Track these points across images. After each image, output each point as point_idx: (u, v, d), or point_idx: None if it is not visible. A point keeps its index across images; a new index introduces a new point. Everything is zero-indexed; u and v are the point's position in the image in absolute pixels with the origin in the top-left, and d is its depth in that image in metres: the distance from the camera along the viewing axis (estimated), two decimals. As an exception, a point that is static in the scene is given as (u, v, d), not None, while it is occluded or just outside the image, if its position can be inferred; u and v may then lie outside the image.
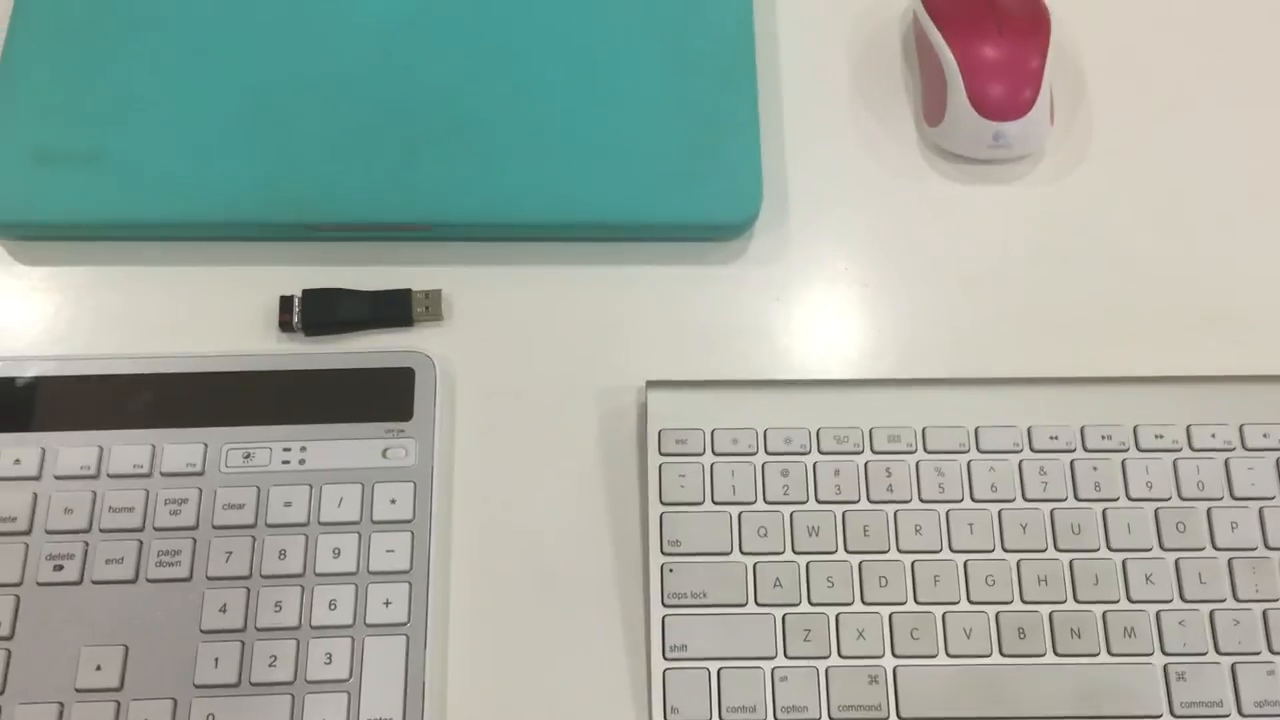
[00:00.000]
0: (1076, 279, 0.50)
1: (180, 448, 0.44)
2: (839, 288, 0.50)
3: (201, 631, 0.41)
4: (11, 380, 0.45)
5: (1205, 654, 0.42)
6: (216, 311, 0.48)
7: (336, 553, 0.42)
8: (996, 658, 0.42)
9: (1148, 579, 0.43)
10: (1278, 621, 0.42)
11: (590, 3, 0.51)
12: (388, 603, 0.42)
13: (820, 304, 0.49)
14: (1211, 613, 0.42)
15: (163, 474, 0.43)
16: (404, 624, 0.41)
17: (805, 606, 0.42)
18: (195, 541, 0.42)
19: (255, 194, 0.47)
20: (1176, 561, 0.43)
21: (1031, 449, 0.45)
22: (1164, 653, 0.42)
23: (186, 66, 0.49)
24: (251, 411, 0.44)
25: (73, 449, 0.43)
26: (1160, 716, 0.41)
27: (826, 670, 0.41)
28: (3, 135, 0.48)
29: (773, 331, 0.48)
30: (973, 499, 0.44)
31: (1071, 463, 0.44)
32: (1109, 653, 0.42)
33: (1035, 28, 0.50)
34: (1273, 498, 0.44)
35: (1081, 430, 0.45)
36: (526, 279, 0.49)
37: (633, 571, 0.44)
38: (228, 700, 0.40)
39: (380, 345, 0.47)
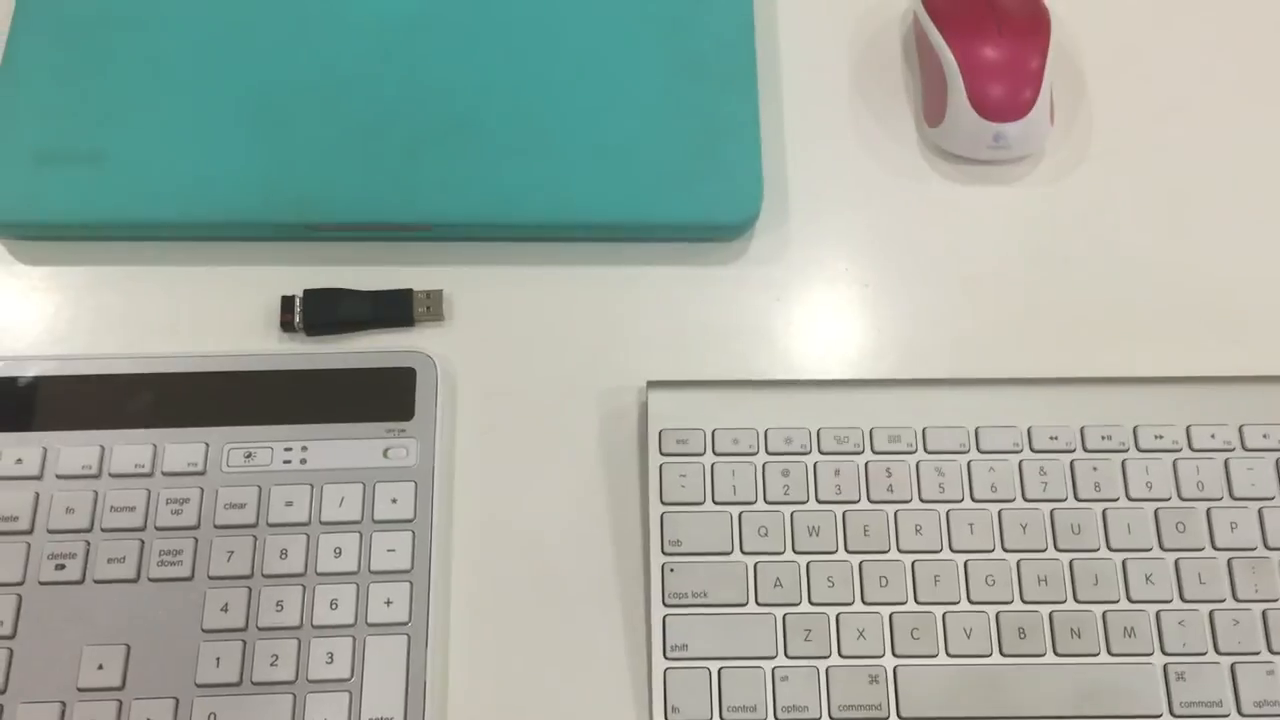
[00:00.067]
0: (1076, 279, 0.50)
1: (181, 447, 0.44)
2: (839, 288, 0.50)
3: (203, 631, 0.41)
4: (13, 380, 0.45)
5: (1205, 654, 0.42)
6: (218, 311, 0.48)
7: (338, 552, 0.42)
8: (997, 658, 0.42)
9: (1147, 579, 0.43)
10: (1277, 621, 0.42)
11: (591, 3, 0.51)
12: (389, 602, 0.42)
13: (821, 304, 0.49)
14: (1211, 613, 0.43)
15: (164, 473, 0.43)
16: (405, 623, 0.42)
17: (806, 606, 0.42)
18: (197, 541, 0.42)
19: (256, 194, 0.47)
20: (1176, 562, 0.43)
21: (1031, 449, 0.45)
22: (1164, 653, 0.42)
23: (187, 67, 0.49)
24: (253, 411, 0.44)
25: (74, 449, 0.43)
26: (1160, 716, 0.41)
27: (827, 670, 0.41)
28: (4, 135, 0.48)
29: (773, 332, 0.49)
30: (973, 499, 0.44)
31: (1071, 463, 0.45)
32: (1109, 653, 0.42)
33: (1035, 28, 0.50)
34: (1272, 498, 0.44)
35: (1081, 430, 0.45)
36: (527, 279, 0.49)
37: (633, 571, 0.44)
38: (229, 699, 0.40)
39: (381, 345, 0.47)
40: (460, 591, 0.44)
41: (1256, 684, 0.42)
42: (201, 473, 0.43)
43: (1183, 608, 0.43)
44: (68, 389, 0.44)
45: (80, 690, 0.40)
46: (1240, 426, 0.45)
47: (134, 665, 0.41)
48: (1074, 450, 0.45)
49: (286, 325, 0.47)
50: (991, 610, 0.42)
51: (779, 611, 0.42)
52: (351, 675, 0.41)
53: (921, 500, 0.44)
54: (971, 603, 0.42)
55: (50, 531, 0.42)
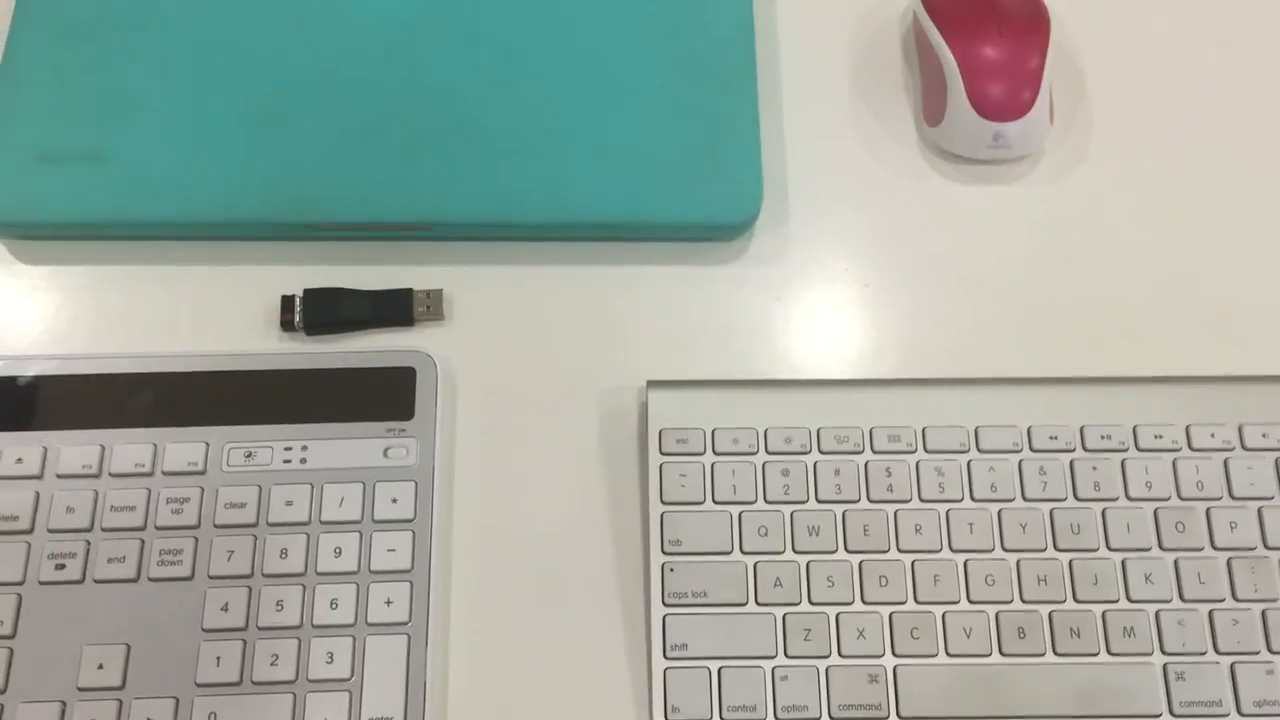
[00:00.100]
0: (1076, 279, 0.50)
1: (182, 447, 0.44)
2: (839, 288, 0.50)
3: (203, 630, 0.41)
4: (13, 379, 0.45)
5: (1204, 654, 0.42)
6: (218, 311, 0.48)
7: (338, 552, 0.42)
8: (996, 657, 0.42)
9: (1147, 579, 0.43)
10: (1276, 621, 0.42)
11: (591, 3, 0.51)
12: (389, 602, 0.42)
13: (820, 304, 0.49)
14: (1210, 612, 0.43)
15: (164, 473, 0.43)
16: (405, 623, 0.42)
17: (805, 606, 0.42)
18: (197, 540, 0.42)
19: (257, 193, 0.47)
20: (1176, 561, 0.43)
21: (1031, 449, 0.45)
22: (1163, 652, 0.42)
23: (188, 66, 0.49)
24: (253, 411, 0.44)
25: (74, 448, 0.43)
26: (1159, 716, 0.41)
27: (827, 669, 0.41)
28: (4, 134, 0.48)
29: (773, 331, 0.49)
30: (972, 499, 0.44)
31: (1071, 462, 0.45)
32: (1108, 652, 0.42)
33: (1035, 28, 0.50)
34: (1271, 497, 0.44)
35: (1081, 430, 0.45)
36: (527, 279, 0.49)
37: (633, 571, 0.44)
38: (229, 699, 0.40)
39: (381, 345, 0.47)
40: (460, 591, 0.44)
41: (1256, 684, 0.42)
42: (202, 472, 0.43)
43: (1182, 607, 0.43)
44: (68, 388, 0.44)
45: (80, 690, 0.40)
46: (1240, 426, 0.45)
47: (134, 665, 0.41)
48: (1074, 450, 0.45)
49: (286, 325, 0.47)
50: (991, 610, 0.42)
51: (779, 611, 0.42)
52: (351, 675, 0.41)
53: (921, 500, 0.44)
54: (971, 602, 0.43)
55: (50, 531, 0.42)
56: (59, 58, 0.49)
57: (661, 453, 0.44)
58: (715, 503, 0.44)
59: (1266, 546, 0.44)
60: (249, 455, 0.44)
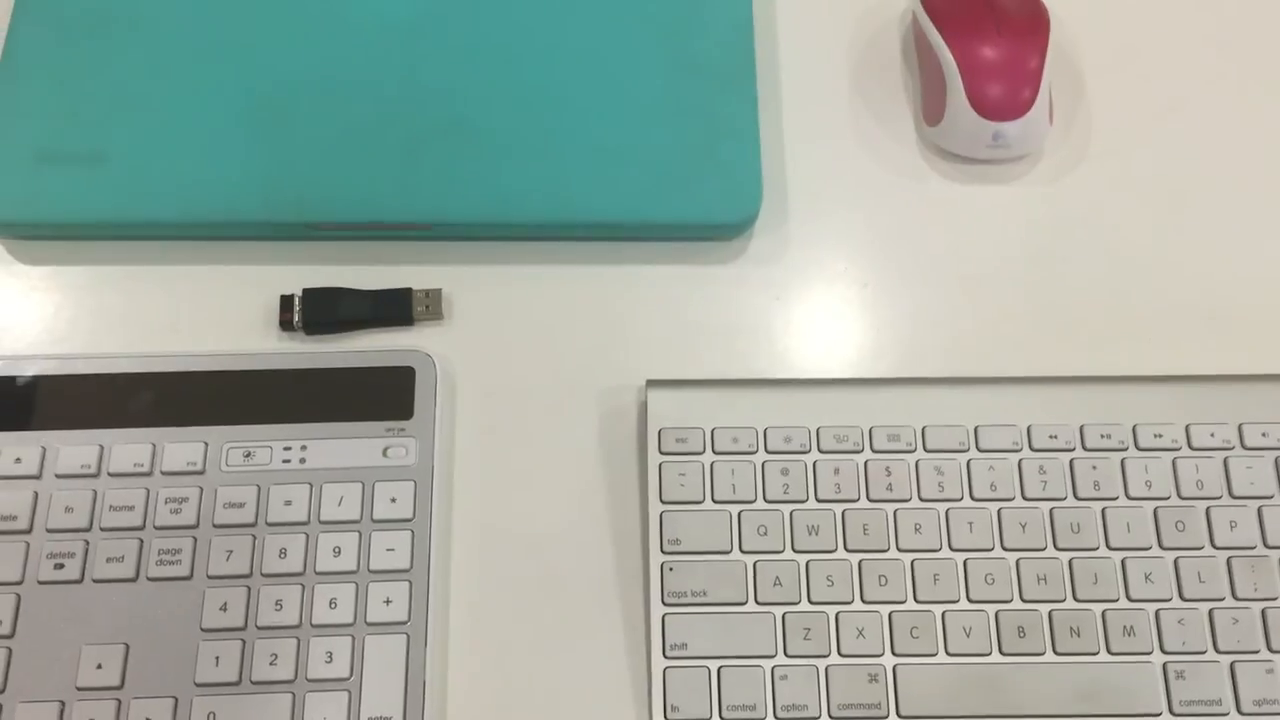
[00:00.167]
0: (1075, 278, 0.50)
1: (181, 446, 0.44)
2: (839, 287, 0.50)
3: (202, 630, 0.41)
4: (12, 379, 0.45)
5: (1204, 653, 0.42)
6: (217, 310, 0.48)
7: (337, 551, 0.42)
8: (996, 656, 0.42)
9: (1147, 578, 0.43)
10: (1276, 620, 0.42)
11: (590, 4, 0.51)
12: (388, 601, 0.42)
13: (820, 303, 0.49)
14: (1210, 611, 0.43)
15: (163, 473, 0.43)
16: (404, 622, 0.41)
17: (805, 605, 0.42)
18: (196, 540, 0.42)
19: (256, 193, 0.47)
20: (1175, 560, 0.43)
21: (1031, 448, 0.45)
22: (1163, 651, 0.42)
23: (187, 66, 0.49)
24: (252, 410, 0.44)
25: (73, 448, 0.43)
26: (1159, 715, 0.41)
27: (826, 669, 0.41)
28: (3, 134, 0.48)
29: (772, 331, 0.49)
30: (972, 498, 0.44)
31: (1071, 462, 0.45)
32: (1108, 651, 0.42)
33: (1034, 28, 0.50)
34: (1271, 497, 0.44)
35: (1081, 429, 0.45)
36: (527, 278, 0.49)
37: (633, 570, 0.44)
38: (228, 699, 0.40)
39: (380, 344, 0.47)
40: (459, 591, 0.44)
41: (1256, 682, 0.42)
42: (201, 472, 0.43)
43: (1182, 606, 0.43)
44: (67, 388, 0.44)
45: (79, 689, 0.40)
46: (1239, 425, 0.45)
47: (133, 664, 0.41)
48: (1073, 449, 0.45)
49: (286, 324, 0.47)
50: (991, 609, 0.42)
51: (778, 610, 0.42)
52: (351, 674, 0.41)
53: (921, 499, 0.44)
54: (971, 601, 0.42)
55: (49, 531, 0.42)
56: (58, 57, 0.49)
57: (661, 452, 0.44)
58: (715, 502, 0.44)
59: (1266, 545, 0.43)
60: (248, 455, 0.44)
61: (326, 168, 0.48)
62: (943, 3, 0.52)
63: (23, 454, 0.43)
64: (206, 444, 0.44)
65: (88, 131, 0.48)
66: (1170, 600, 0.43)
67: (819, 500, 0.44)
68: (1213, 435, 0.45)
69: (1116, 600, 0.43)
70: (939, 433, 0.45)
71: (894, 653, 0.42)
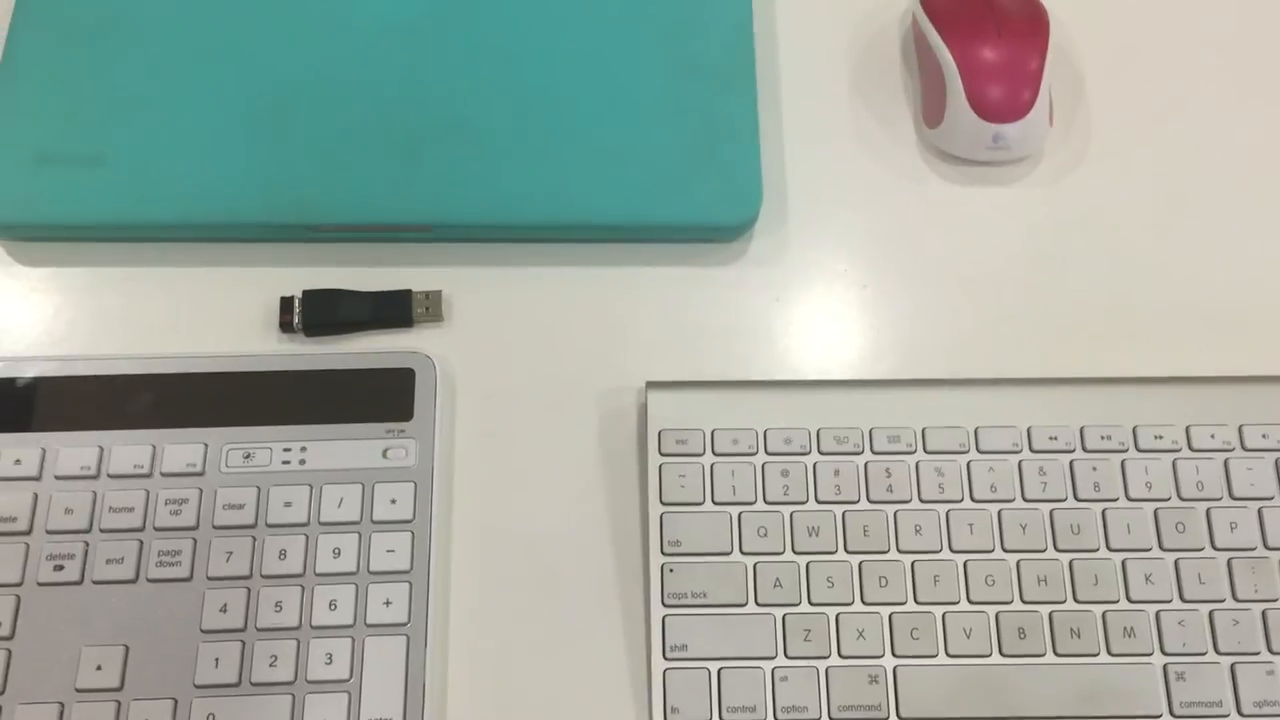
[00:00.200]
0: (1075, 280, 0.50)
1: (180, 448, 0.44)
2: (838, 289, 0.50)
3: (202, 631, 0.41)
4: (12, 381, 0.45)
5: (1205, 654, 0.42)
6: (217, 312, 0.48)
7: (337, 553, 0.42)
8: (996, 658, 0.42)
9: (1147, 579, 0.43)
10: (1277, 621, 0.42)
11: (590, 5, 0.51)
12: (388, 603, 0.42)
13: (820, 305, 0.49)
14: (1211, 613, 0.43)
15: (163, 474, 0.43)
16: (404, 624, 0.41)
17: (805, 606, 0.42)
18: (195, 541, 0.42)
19: (256, 195, 0.47)
20: (1176, 562, 0.43)
21: (1031, 449, 0.45)
22: (1163, 653, 0.42)
23: (187, 68, 0.49)
24: (252, 412, 0.44)
25: (73, 449, 0.43)
26: (1160, 716, 0.41)
27: (826, 670, 0.41)
28: (3, 136, 0.48)
29: (772, 332, 0.49)
30: (972, 499, 0.44)
31: (1071, 463, 0.45)
32: (1109, 653, 0.42)
33: (1034, 29, 0.50)
34: (1272, 498, 0.44)
35: (1081, 431, 0.45)
36: (527, 280, 0.49)
37: (633, 572, 0.44)
38: (228, 700, 0.40)
39: (380, 346, 0.47)
40: (459, 592, 0.44)
41: (1256, 684, 0.41)
42: (200, 473, 0.43)
43: (1182, 608, 0.43)
44: (67, 390, 0.44)
45: (79, 691, 0.40)
46: (1240, 426, 0.45)
47: (133, 666, 0.41)
48: (1073, 450, 0.45)
49: (285, 326, 0.47)
50: (991, 610, 0.42)
51: (778, 612, 0.42)
52: (351, 676, 0.41)
53: (921, 500, 0.44)
54: (971, 603, 0.42)
55: (49, 532, 0.42)
56: (59, 59, 0.49)
57: (661, 453, 0.44)
58: (715, 503, 0.44)
59: (1267, 547, 0.43)
60: (248, 456, 0.44)
61: (326, 169, 0.48)
62: (943, 4, 0.52)
63: (22, 455, 0.43)
64: (206, 445, 0.44)
65: (88, 133, 0.48)
66: (1171, 601, 0.43)
67: (819, 502, 0.44)
68: (1213, 436, 0.45)
69: (1117, 601, 0.43)
70: (939, 434, 0.45)
71: (894, 654, 0.42)
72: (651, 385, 0.45)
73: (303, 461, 0.44)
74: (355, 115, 0.49)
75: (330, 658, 0.41)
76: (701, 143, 0.49)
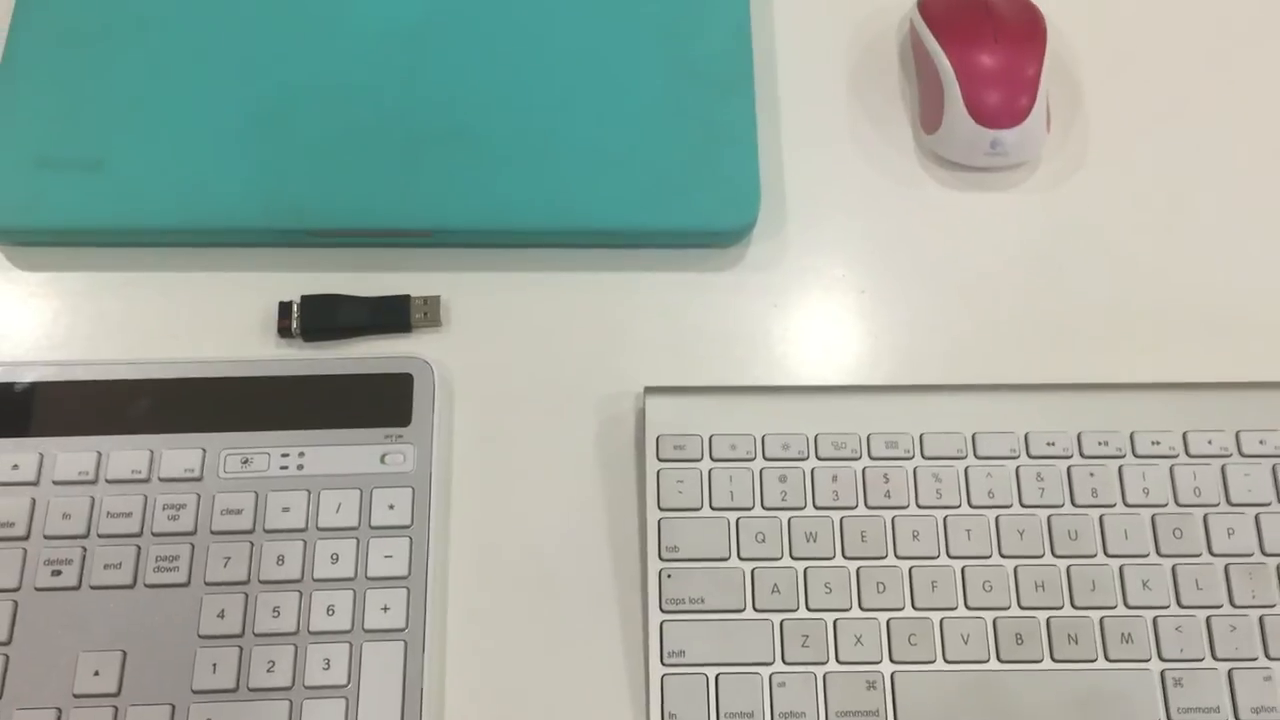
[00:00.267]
0: (1073, 286, 0.50)
1: (178, 453, 0.44)
2: (836, 294, 0.50)
3: (199, 637, 0.41)
4: (10, 385, 0.45)
5: (1202, 660, 0.42)
6: (215, 317, 0.48)
7: (334, 558, 0.42)
8: (994, 663, 0.42)
9: (1145, 585, 0.43)
10: (1274, 627, 0.42)
11: (589, 11, 0.51)
12: (386, 608, 0.42)
13: (817, 310, 0.49)
14: (1208, 619, 0.43)
15: (161, 479, 0.43)
16: (402, 629, 0.41)
17: (803, 612, 0.42)
18: (193, 547, 0.42)
19: (255, 200, 0.47)
20: (1173, 568, 0.43)
21: (1028, 455, 0.45)
22: (1161, 659, 0.42)
23: (187, 72, 0.49)
24: (250, 417, 0.44)
25: (71, 454, 0.43)
26: (1157, 722, 0.41)
27: (824, 676, 0.41)
28: (3, 140, 0.48)
29: (770, 338, 0.49)
30: (970, 505, 0.44)
31: (1068, 469, 0.45)
32: (1106, 658, 0.42)
33: (1031, 35, 0.50)
34: (1269, 504, 0.44)
35: (1078, 436, 0.45)
36: (525, 285, 0.49)
37: (631, 577, 0.44)
38: (226, 706, 0.40)
39: (379, 351, 0.47)
40: (457, 597, 0.44)
41: (1253, 690, 0.42)
42: (198, 479, 0.43)
43: (1180, 614, 0.43)
44: (65, 394, 0.44)
45: (76, 696, 0.40)
46: (1237, 432, 0.45)
47: (130, 671, 0.41)
48: (1071, 456, 0.45)
49: (284, 331, 0.47)
50: (989, 616, 0.42)
51: (776, 617, 0.42)
52: (348, 681, 0.41)
53: (918, 506, 0.44)
54: (969, 608, 0.42)
55: (47, 537, 0.42)
56: (58, 63, 0.49)
57: (659, 459, 0.44)
58: (712, 509, 0.44)
59: (1264, 553, 0.44)
60: (246, 461, 0.44)
61: (326, 174, 0.48)
62: (941, 10, 0.52)
63: (20, 460, 0.43)
64: (204, 450, 0.44)
65: (87, 137, 0.48)
66: (1168, 607, 0.43)
67: (817, 507, 0.44)
68: (1210, 443, 0.45)
69: (1114, 607, 0.43)
70: (937, 440, 0.45)
71: (892, 660, 0.42)
72: (649, 390, 0.45)
73: (301, 467, 0.44)
74: (355, 120, 0.49)
75: (328, 663, 0.41)
76: (700, 148, 0.49)
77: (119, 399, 0.44)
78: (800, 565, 0.43)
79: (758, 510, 0.44)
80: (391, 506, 0.43)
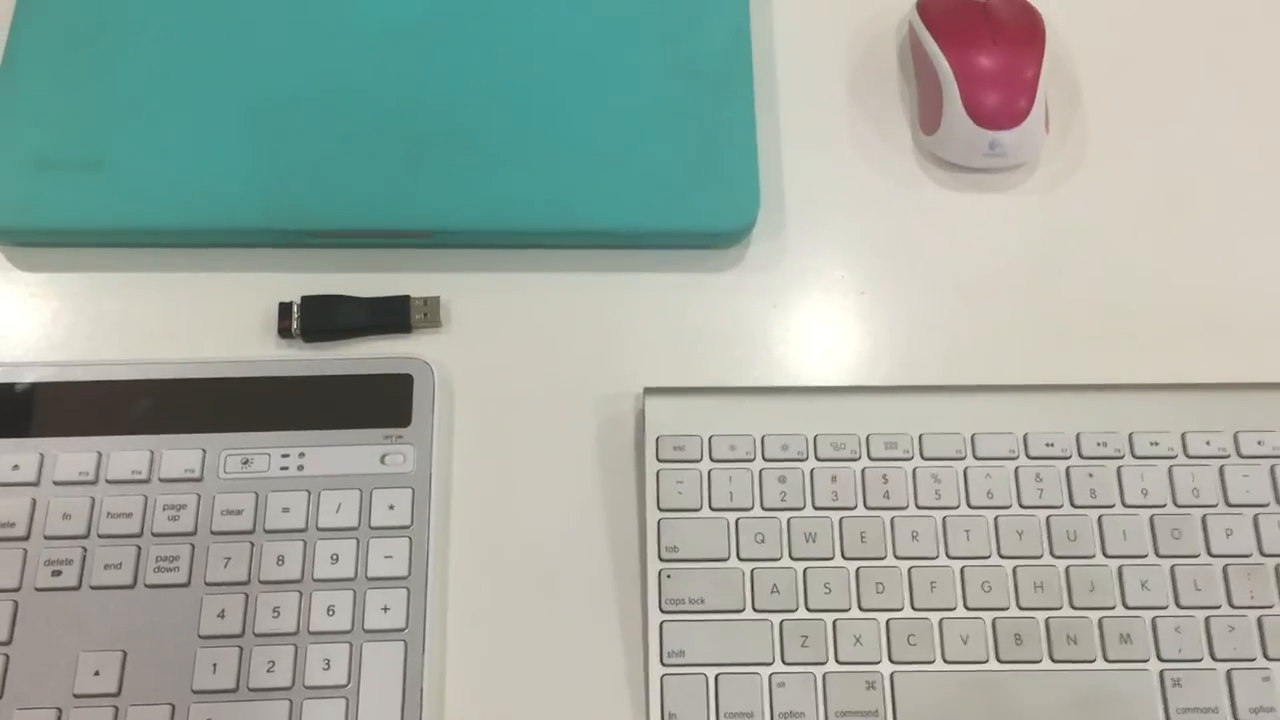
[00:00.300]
0: (1072, 287, 0.50)
1: (179, 453, 0.44)
2: (835, 295, 0.50)
3: (200, 637, 0.41)
4: (10, 386, 0.45)
5: (1201, 660, 0.42)
6: (216, 317, 0.48)
7: (335, 558, 0.42)
8: (993, 664, 0.42)
9: (1143, 585, 0.43)
10: (1272, 628, 0.42)
11: (588, 11, 0.51)
12: (386, 608, 0.42)
13: (817, 311, 0.49)
14: (1207, 619, 0.43)
15: (161, 480, 0.43)
16: (402, 630, 0.41)
17: (802, 612, 0.42)
18: (193, 547, 0.42)
19: (255, 200, 0.47)
20: (1172, 568, 0.43)
21: (1028, 456, 0.45)
22: (1160, 659, 0.42)
23: (187, 73, 0.49)
24: (250, 417, 0.44)
25: (71, 455, 0.43)
26: (1156, 722, 0.41)
27: (824, 676, 0.41)
28: (3, 140, 0.48)
29: (770, 338, 0.49)
30: (969, 505, 0.44)
31: (1067, 469, 0.45)
32: (1105, 659, 0.42)
33: (1030, 37, 0.51)
34: (1267, 505, 0.44)
35: (1077, 437, 0.45)
36: (525, 286, 0.49)
37: (631, 577, 0.44)
38: (226, 706, 0.40)
39: (379, 352, 0.47)
40: (457, 598, 0.44)
41: (1252, 690, 0.42)
42: (198, 479, 0.43)
43: (1179, 614, 0.43)
44: (65, 395, 0.44)
45: (76, 696, 0.40)
46: (1235, 433, 0.45)
47: (130, 671, 0.41)
48: (1070, 457, 0.45)
49: (284, 332, 0.47)
50: (988, 616, 0.42)
51: (776, 618, 0.42)
52: (348, 682, 0.41)
53: (918, 506, 0.44)
54: (968, 609, 0.43)
55: (47, 538, 0.42)
56: (58, 64, 0.49)
57: (658, 459, 0.44)
58: (712, 509, 0.44)
59: (1262, 553, 0.44)
60: (246, 462, 0.44)
61: (325, 175, 0.48)
62: (939, 12, 0.52)
63: (21, 461, 0.43)
64: (204, 451, 0.44)
65: (87, 138, 0.48)
66: (1167, 608, 0.43)
67: (816, 508, 0.44)
68: (1209, 443, 0.45)
69: (1113, 608, 0.43)
70: (936, 440, 0.45)
71: (891, 660, 0.42)
72: (649, 391, 0.45)
73: (301, 467, 0.44)
74: (354, 121, 0.49)
75: (328, 663, 0.41)
76: (699, 149, 0.49)
77: (119, 399, 0.44)
78: (800, 566, 0.43)
79: (757, 511, 0.44)
80: (391, 507, 0.43)
